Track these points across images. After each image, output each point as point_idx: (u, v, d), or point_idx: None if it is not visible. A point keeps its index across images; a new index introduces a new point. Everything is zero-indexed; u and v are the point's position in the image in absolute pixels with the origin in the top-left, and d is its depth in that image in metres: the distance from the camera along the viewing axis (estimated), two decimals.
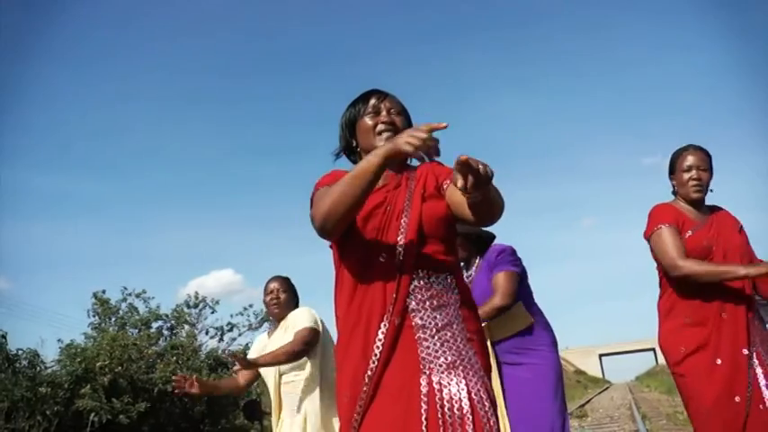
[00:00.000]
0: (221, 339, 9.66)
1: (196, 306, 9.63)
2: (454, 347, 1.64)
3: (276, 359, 3.05)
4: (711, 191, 2.77)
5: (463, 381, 1.60)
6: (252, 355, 3.29)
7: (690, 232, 2.72)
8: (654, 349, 49.14)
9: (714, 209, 2.83)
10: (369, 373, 1.61)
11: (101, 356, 7.57)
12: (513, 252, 3.09)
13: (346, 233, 1.72)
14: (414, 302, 1.66)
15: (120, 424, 7.27)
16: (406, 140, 1.43)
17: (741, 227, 2.80)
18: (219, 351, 9.47)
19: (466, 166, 1.33)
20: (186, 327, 9.46)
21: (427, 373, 1.60)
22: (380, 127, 1.84)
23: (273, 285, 3.40)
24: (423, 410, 1.56)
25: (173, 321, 9.31)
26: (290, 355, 3.02)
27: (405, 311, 1.64)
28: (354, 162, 1.95)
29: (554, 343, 3.04)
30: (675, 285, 2.74)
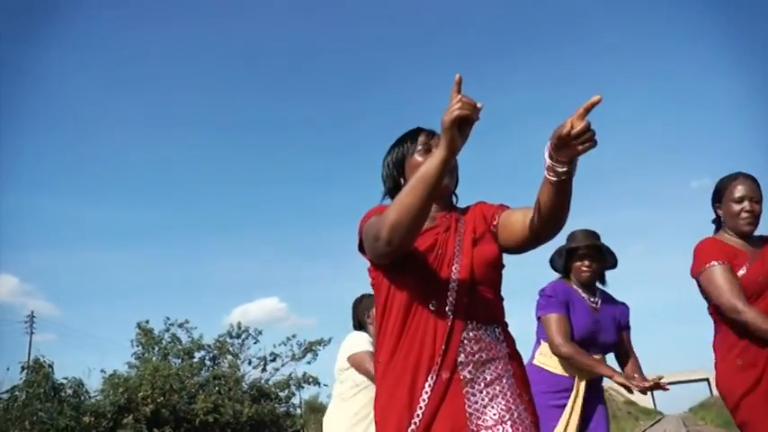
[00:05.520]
0: (264, 369, 9.56)
1: (239, 336, 9.57)
2: (503, 402, 1.53)
3: None
4: None
5: None
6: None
7: (744, 269, 2.51)
8: (708, 379, 47.33)
9: (764, 240, 2.60)
10: (413, 427, 1.50)
11: (143, 386, 7.56)
12: None
13: (394, 275, 1.63)
14: (462, 355, 1.55)
15: None
16: (455, 108, 1.32)
17: None
18: (262, 381, 9.37)
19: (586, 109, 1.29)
20: (229, 357, 9.40)
21: (474, 429, 1.49)
22: None
23: None
24: None
25: (215, 351, 9.27)
26: None
27: (454, 365, 1.54)
28: None
29: None
30: (729, 326, 2.53)
